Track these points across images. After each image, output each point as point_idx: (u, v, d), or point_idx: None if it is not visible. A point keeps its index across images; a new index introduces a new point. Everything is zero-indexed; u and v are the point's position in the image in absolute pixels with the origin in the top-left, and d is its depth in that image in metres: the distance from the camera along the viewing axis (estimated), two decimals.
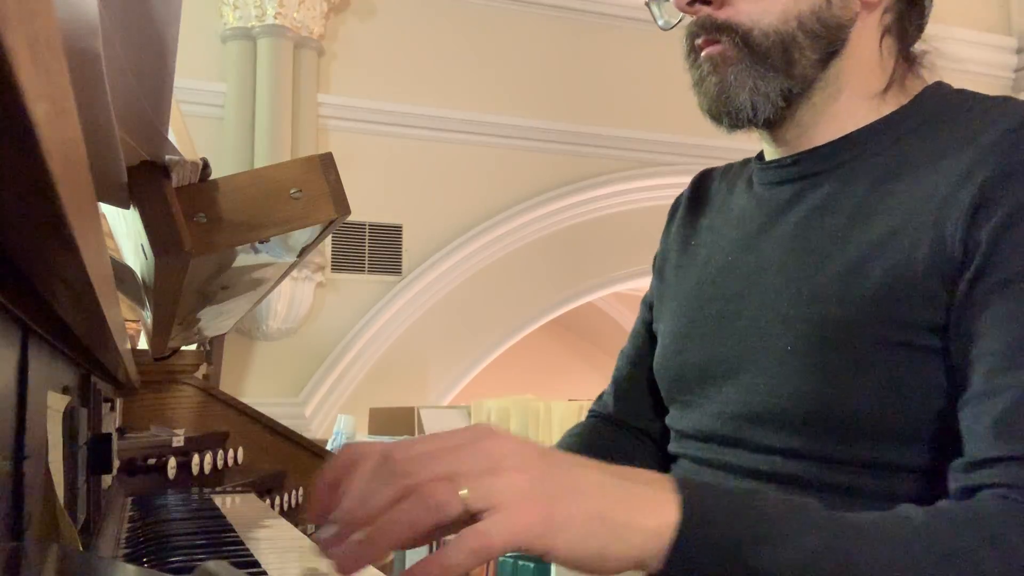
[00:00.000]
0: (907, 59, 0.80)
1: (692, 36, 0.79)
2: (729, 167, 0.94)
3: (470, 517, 0.48)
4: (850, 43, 0.77)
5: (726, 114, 0.77)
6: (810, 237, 0.75)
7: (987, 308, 0.64)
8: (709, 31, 0.77)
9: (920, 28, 0.80)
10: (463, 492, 0.48)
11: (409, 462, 0.49)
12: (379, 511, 0.48)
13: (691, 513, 0.53)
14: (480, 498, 0.48)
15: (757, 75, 0.75)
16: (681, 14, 0.79)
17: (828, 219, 0.75)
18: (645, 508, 0.52)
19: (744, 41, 0.75)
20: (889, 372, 0.68)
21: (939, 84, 0.79)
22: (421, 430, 3.64)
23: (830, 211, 0.75)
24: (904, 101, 0.78)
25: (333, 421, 4.25)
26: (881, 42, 0.78)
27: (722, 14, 0.76)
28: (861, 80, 0.78)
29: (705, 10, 0.77)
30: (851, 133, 0.77)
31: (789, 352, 0.73)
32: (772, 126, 0.80)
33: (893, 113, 0.77)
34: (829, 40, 0.76)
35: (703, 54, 0.78)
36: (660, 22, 0.82)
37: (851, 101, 0.78)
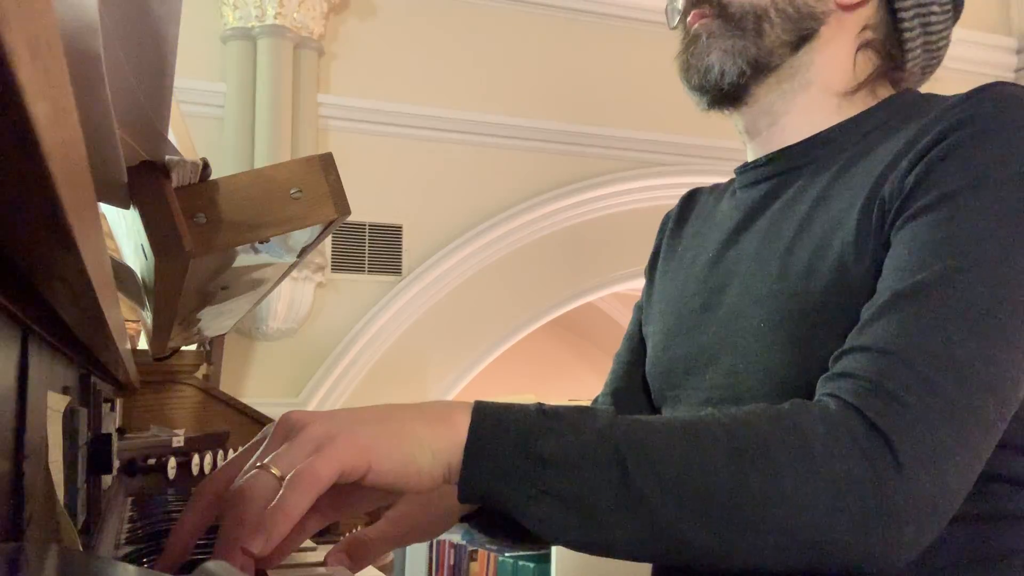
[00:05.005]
0: (885, 76, 0.87)
1: (684, 16, 0.89)
2: (716, 185, 1.01)
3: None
4: (821, 37, 0.84)
5: (696, 72, 0.86)
6: (782, 226, 0.80)
7: (895, 241, 0.69)
8: (697, 4, 0.87)
9: (902, 63, 0.87)
10: (274, 471, 0.52)
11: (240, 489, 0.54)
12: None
13: (481, 417, 0.57)
14: (289, 465, 0.52)
15: (729, 37, 0.84)
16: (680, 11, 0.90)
17: (797, 208, 0.80)
18: (439, 420, 0.57)
19: (722, 11, 0.85)
20: None
21: (907, 91, 0.86)
22: None
23: (799, 201, 0.81)
24: (872, 104, 0.84)
25: None
26: (857, 52, 0.85)
27: None
28: (830, 77, 0.85)
29: None
30: (820, 133, 0.84)
31: (762, 329, 0.76)
32: (739, 99, 0.86)
33: (860, 113, 0.83)
34: (799, 26, 0.84)
35: (692, 28, 0.87)
36: (671, 24, 0.92)
37: (819, 95, 0.85)
